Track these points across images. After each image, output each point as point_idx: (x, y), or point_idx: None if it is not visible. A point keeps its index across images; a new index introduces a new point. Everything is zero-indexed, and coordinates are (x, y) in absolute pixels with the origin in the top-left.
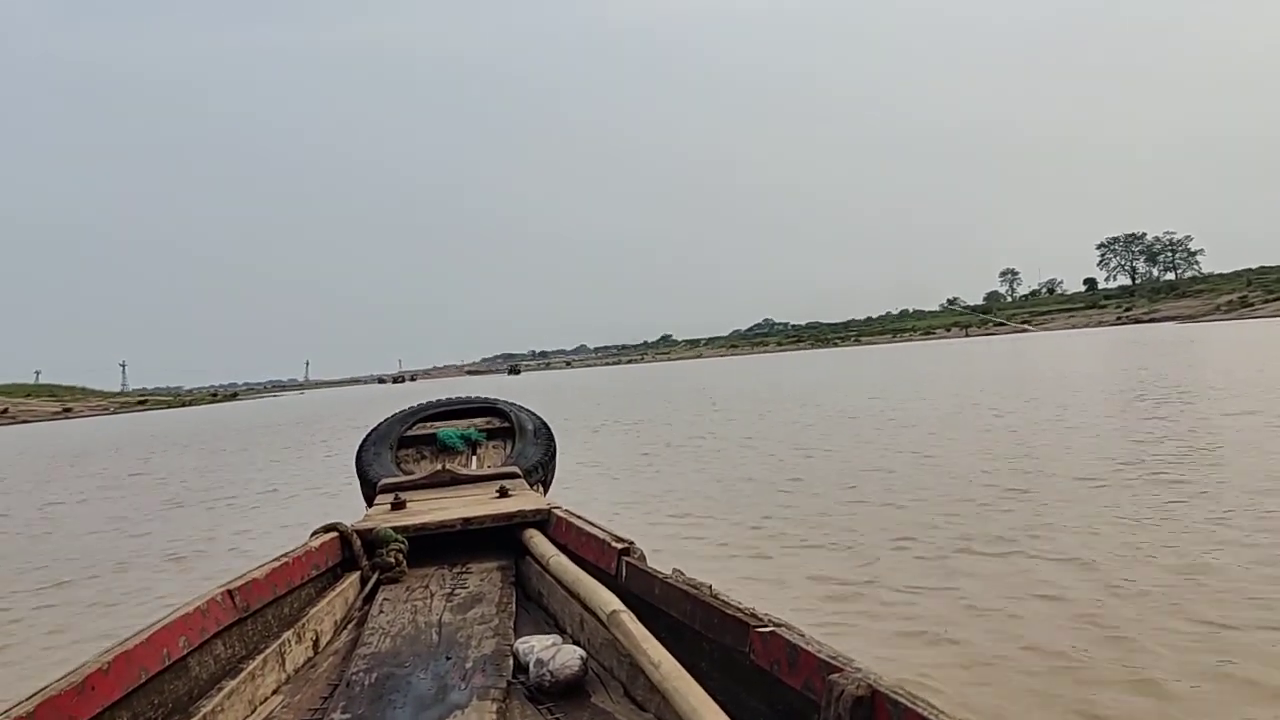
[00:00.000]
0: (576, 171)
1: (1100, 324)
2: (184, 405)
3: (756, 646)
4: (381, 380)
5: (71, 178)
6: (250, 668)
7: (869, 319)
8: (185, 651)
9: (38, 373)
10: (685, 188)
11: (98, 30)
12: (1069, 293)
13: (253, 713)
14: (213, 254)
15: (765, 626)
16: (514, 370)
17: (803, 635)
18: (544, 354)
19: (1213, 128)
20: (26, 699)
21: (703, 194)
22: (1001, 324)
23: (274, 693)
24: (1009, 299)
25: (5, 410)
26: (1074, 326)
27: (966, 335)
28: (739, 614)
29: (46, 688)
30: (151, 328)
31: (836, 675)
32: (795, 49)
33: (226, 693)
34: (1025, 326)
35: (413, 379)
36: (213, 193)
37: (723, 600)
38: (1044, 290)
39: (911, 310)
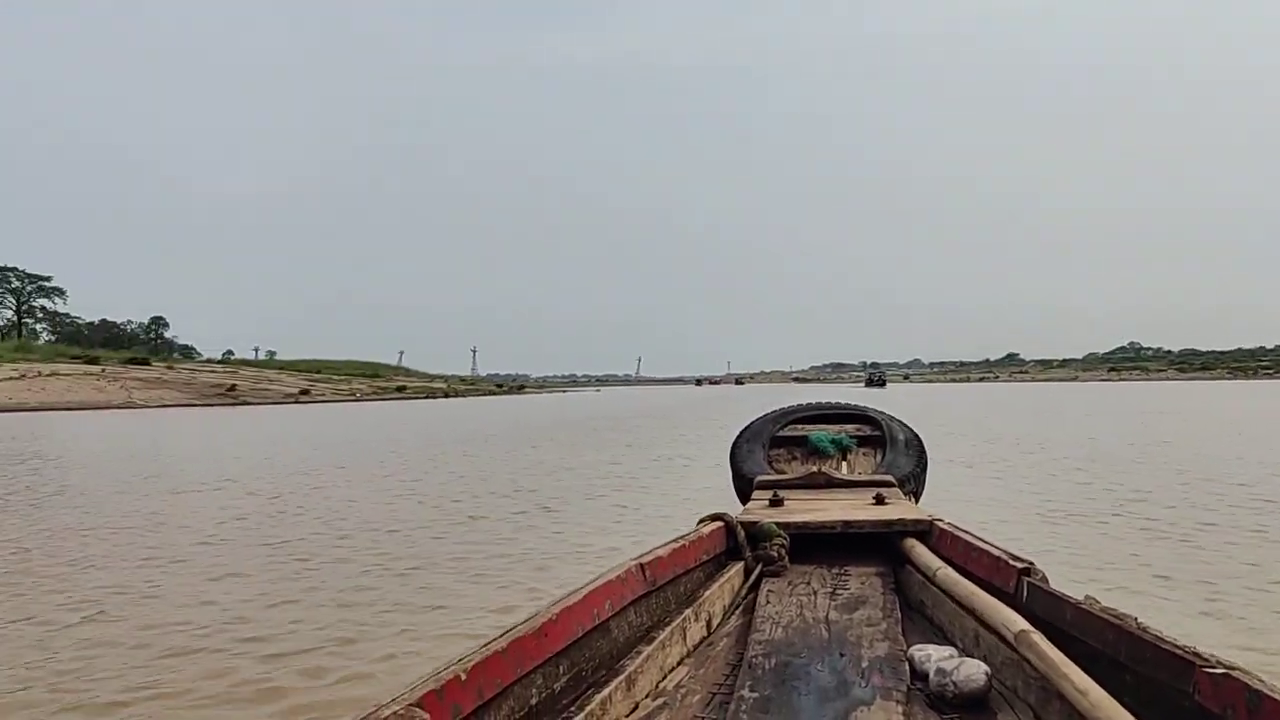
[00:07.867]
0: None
1: None
2: (446, 397)
3: (1204, 688)
4: (699, 383)
5: None
6: (661, 637)
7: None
8: (609, 614)
9: (401, 353)
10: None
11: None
12: None
13: (664, 678)
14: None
15: (1216, 668)
16: (875, 381)
17: (1262, 681)
18: (875, 365)
19: None
20: (499, 636)
21: (1055, 212)
22: None
23: (679, 663)
24: None
25: (234, 387)
26: None
27: None
28: (1179, 651)
29: (513, 629)
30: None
31: None
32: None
33: (643, 657)
34: None
35: (739, 383)
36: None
37: (1155, 634)
38: None
39: None
